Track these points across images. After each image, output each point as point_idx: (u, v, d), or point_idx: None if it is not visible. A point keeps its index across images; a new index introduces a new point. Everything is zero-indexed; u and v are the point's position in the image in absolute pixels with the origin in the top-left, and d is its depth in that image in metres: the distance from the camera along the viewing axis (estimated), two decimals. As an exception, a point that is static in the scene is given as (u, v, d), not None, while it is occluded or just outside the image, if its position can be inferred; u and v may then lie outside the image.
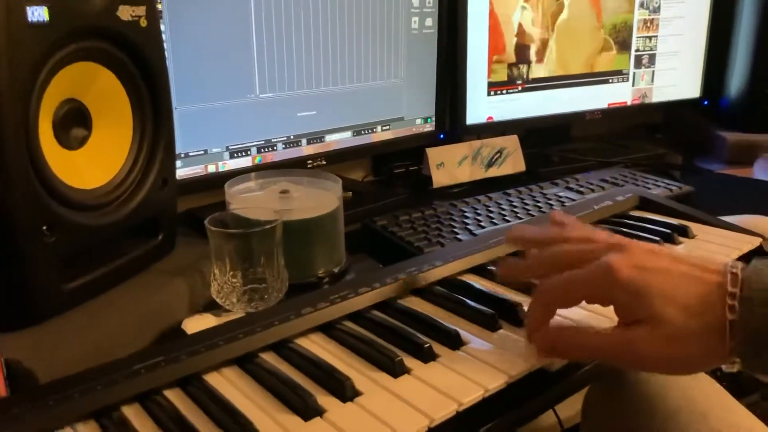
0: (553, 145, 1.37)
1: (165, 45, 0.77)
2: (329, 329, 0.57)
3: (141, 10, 0.67)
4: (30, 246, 0.59)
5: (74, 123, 0.66)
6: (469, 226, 0.90)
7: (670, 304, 0.47)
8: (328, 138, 1.07)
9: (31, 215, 0.58)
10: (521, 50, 1.25)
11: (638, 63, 1.38)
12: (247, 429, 0.43)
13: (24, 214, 0.58)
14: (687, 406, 0.63)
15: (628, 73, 1.38)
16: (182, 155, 0.91)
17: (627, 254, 0.49)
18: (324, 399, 0.47)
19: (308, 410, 0.45)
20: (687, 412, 0.63)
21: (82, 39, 0.62)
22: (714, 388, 0.67)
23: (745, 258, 0.74)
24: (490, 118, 1.25)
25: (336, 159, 1.08)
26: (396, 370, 0.50)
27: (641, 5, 1.35)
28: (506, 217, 0.93)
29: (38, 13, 0.57)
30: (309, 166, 1.05)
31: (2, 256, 0.58)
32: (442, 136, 1.22)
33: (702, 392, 0.65)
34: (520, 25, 1.23)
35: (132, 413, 0.46)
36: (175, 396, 0.48)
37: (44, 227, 0.60)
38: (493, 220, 0.92)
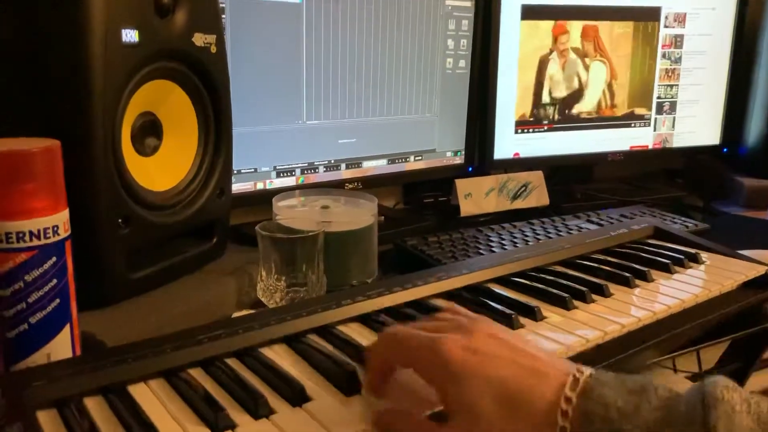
0: (576, 184, 1.44)
1: (227, 71, 0.86)
2: (366, 321, 0.64)
3: (212, 38, 0.77)
4: (107, 235, 0.68)
5: (148, 133, 0.75)
6: (493, 248, 0.97)
7: (492, 395, 0.41)
8: (365, 164, 1.16)
9: (110, 208, 0.67)
10: (550, 92, 1.33)
11: (659, 109, 1.45)
12: (293, 384, 0.50)
13: (105, 206, 0.66)
14: None
15: (649, 119, 1.45)
16: (235, 172, 1.00)
17: (467, 337, 0.45)
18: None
19: (342, 380, 0.52)
20: None
21: (163, 59, 0.72)
22: None
23: (751, 283, 0.80)
24: (517, 154, 1.33)
25: (371, 184, 1.17)
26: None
27: (663, 56, 1.43)
28: (528, 242, 1.00)
29: (130, 35, 0.66)
30: (347, 188, 1.13)
31: (84, 243, 0.66)
32: (470, 168, 1.30)
33: None
34: (548, 67, 1.32)
35: (196, 375, 0.53)
36: (233, 364, 0.55)
37: (120, 220, 0.68)
38: (516, 244, 0.99)
